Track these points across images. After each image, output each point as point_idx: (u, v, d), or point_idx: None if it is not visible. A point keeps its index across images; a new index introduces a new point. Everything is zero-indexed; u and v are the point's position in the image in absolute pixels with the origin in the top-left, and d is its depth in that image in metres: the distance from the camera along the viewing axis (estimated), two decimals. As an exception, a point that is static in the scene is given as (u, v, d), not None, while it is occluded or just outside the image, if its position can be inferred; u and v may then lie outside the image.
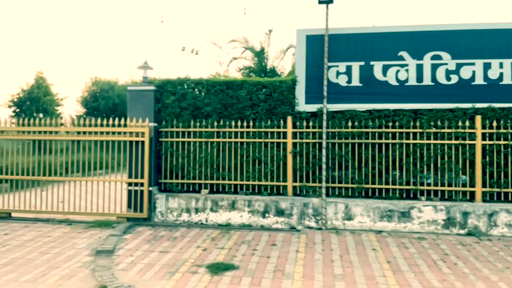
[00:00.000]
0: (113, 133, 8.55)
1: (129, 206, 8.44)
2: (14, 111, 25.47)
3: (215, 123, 8.45)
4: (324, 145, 7.97)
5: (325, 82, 8.05)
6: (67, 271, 5.63)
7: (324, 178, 7.94)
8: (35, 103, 23.95)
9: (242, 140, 8.37)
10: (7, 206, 8.85)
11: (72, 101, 29.15)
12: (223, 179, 8.48)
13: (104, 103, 27.33)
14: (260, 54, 10.91)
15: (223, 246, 6.75)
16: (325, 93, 8.02)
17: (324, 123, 7.99)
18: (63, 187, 8.95)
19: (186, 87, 8.63)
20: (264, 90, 8.31)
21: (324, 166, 7.95)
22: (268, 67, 10.61)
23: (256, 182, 8.30)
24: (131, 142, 8.47)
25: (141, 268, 5.76)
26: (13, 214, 8.85)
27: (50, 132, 8.79)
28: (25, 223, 8.30)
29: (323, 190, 7.92)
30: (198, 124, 8.51)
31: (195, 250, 6.56)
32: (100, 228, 7.94)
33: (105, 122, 8.55)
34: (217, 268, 5.67)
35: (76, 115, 28.31)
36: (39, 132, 8.80)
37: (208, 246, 6.77)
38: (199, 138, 8.54)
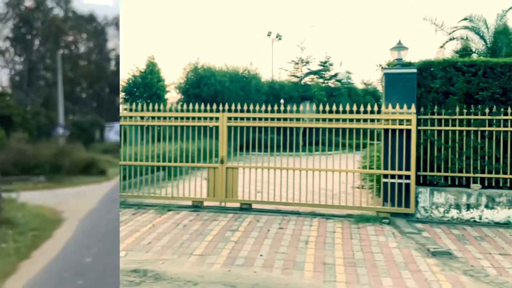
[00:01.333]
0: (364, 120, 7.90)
1: (391, 200, 7.72)
2: (123, 98, 25.54)
3: (487, 110, 7.56)
4: None
5: None
6: (449, 280, 4.98)
7: None
8: (148, 89, 23.86)
9: (522, 129, 7.46)
10: (248, 197, 8.41)
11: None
12: (497, 172, 7.60)
13: (207, 89, 26.94)
14: (501, 34, 9.90)
15: None
16: None
17: None
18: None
19: (455, 69, 7.76)
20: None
21: None
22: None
23: (542, 177, 7.38)
24: (393, 130, 7.71)
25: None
26: (253, 206, 8.38)
27: (291, 119, 8.22)
28: (279, 216, 7.78)
29: None
30: (465, 111, 7.65)
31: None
32: (370, 223, 7.31)
33: (355, 108, 7.87)
34: None
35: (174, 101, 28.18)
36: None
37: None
38: (466, 126, 7.68)
